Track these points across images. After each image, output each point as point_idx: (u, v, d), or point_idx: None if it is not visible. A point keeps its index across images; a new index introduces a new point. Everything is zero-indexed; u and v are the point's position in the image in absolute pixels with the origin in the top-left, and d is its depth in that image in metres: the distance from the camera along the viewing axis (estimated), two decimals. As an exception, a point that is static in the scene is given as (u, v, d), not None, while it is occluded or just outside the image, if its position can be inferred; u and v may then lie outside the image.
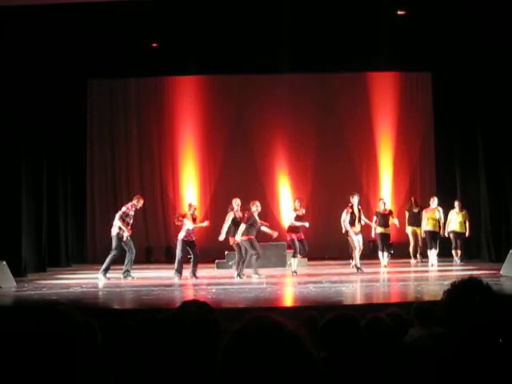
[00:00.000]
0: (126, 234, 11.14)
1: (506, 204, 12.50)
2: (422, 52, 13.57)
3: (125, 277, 11.06)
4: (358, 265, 11.53)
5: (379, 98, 15.67)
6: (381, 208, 13.12)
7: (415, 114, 15.64)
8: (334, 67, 14.61)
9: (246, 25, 12.46)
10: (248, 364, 1.26)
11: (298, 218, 11.75)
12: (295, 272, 11.57)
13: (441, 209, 13.01)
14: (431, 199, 13.21)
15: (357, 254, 11.68)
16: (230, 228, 11.36)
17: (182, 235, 11.20)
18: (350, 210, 11.69)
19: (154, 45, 13.69)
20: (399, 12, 12.07)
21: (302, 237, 11.76)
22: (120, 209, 11.54)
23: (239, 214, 11.42)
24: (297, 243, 11.62)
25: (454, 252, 13.11)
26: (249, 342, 1.28)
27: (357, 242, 11.68)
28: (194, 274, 11.09)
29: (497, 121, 12.54)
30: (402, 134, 15.68)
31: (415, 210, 13.52)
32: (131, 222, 11.35)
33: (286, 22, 11.83)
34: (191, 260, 11.35)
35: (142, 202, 11.55)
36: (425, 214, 13.11)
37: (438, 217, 13.01)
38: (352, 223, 11.68)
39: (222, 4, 11.73)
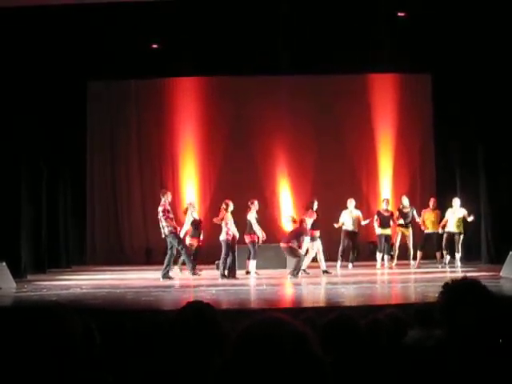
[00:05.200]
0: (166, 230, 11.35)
1: (505, 205, 12.47)
2: (421, 53, 13.57)
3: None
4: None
5: (379, 100, 15.65)
6: (383, 208, 13.03)
7: (415, 116, 15.62)
8: (333, 68, 14.59)
9: (245, 26, 12.48)
10: (254, 365, 1.23)
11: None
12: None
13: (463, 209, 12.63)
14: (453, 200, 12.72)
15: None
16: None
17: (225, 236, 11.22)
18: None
19: (154, 46, 13.69)
20: (399, 13, 12.08)
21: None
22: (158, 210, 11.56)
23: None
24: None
25: (439, 253, 12.84)
26: (255, 343, 1.25)
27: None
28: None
29: (496, 122, 12.53)
30: (402, 136, 15.66)
31: (405, 211, 13.10)
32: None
33: (285, 23, 11.84)
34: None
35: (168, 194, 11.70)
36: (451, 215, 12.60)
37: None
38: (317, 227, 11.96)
39: (221, 5, 11.75)
